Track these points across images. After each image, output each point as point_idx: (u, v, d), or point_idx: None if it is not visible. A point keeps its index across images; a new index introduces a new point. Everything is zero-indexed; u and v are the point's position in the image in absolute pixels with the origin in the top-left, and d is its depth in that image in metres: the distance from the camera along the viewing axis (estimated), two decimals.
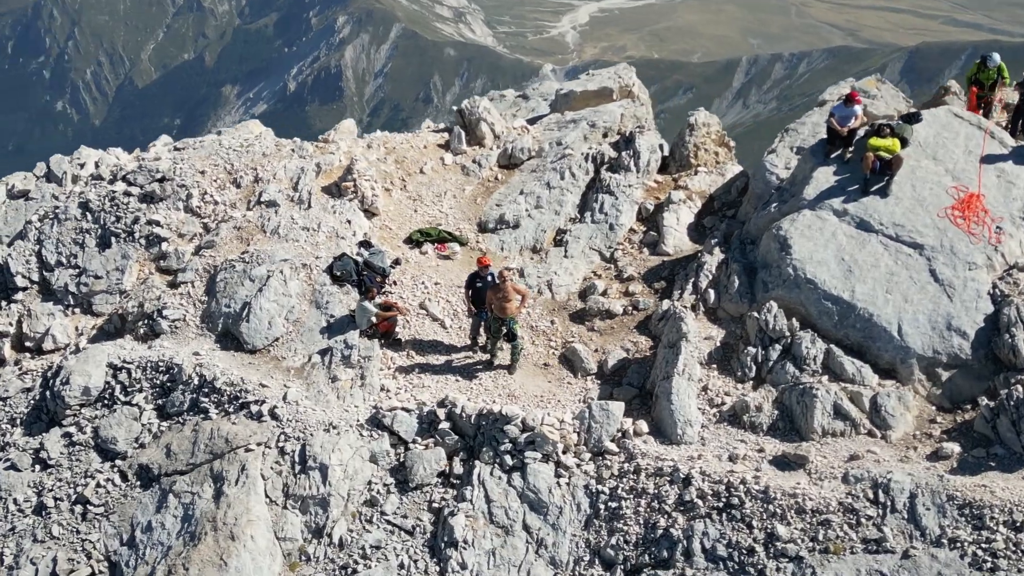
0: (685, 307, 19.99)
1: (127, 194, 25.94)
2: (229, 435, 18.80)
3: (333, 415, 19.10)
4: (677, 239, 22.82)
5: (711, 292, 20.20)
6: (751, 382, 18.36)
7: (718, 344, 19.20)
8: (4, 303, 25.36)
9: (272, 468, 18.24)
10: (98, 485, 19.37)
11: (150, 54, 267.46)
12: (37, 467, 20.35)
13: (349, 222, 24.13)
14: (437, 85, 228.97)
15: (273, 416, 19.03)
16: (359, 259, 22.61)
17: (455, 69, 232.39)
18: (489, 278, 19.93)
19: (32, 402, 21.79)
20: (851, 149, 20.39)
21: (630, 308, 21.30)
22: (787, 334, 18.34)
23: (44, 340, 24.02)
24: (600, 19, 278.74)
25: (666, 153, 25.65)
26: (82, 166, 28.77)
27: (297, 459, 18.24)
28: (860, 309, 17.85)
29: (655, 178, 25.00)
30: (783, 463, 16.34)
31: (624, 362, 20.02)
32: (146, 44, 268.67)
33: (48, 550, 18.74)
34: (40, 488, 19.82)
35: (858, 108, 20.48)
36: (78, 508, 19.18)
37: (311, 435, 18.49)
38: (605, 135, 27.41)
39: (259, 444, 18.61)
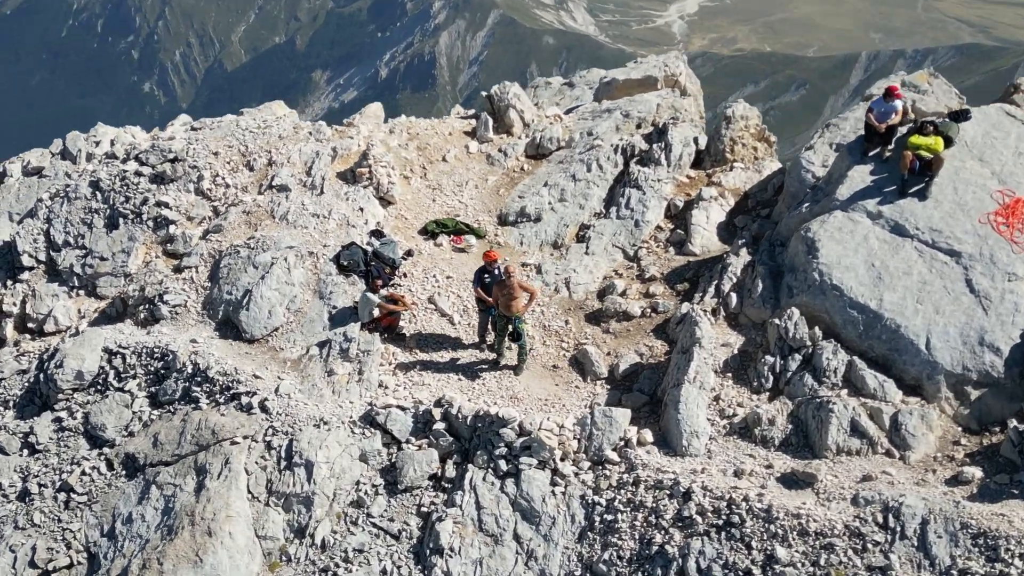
0: (705, 311, 19.70)
1: (138, 174, 26.34)
2: (216, 427, 18.96)
3: (325, 410, 19.16)
4: (705, 239, 22.50)
5: (733, 296, 19.88)
6: (767, 393, 18.02)
7: (735, 352, 18.88)
8: (10, 282, 25.86)
9: (257, 463, 18.35)
10: (83, 473, 19.67)
11: (240, 36, 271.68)
12: (25, 451, 20.72)
13: (362, 210, 24.21)
14: (534, 75, 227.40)
15: (263, 409, 19.15)
16: (368, 249, 22.66)
17: (553, 58, 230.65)
18: (497, 272, 19.81)
19: (27, 385, 22.21)
20: (890, 147, 19.92)
21: (648, 310, 21.06)
22: (808, 343, 17.97)
23: (46, 322, 24.49)
24: (710, 8, 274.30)
25: (702, 147, 25.26)
26: (97, 144, 29.31)
27: (283, 455, 18.32)
28: (887, 319, 17.41)
29: (687, 173, 24.67)
30: (791, 481, 16.00)
31: (637, 367, 19.79)
32: (237, 26, 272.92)
33: (28, 538, 19.06)
34: (26, 473, 20.18)
35: (899, 103, 19.98)
36: (61, 496, 19.49)
37: (300, 430, 18.57)
38: (639, 126, 27.14)
39: (246, 437, 18.74)
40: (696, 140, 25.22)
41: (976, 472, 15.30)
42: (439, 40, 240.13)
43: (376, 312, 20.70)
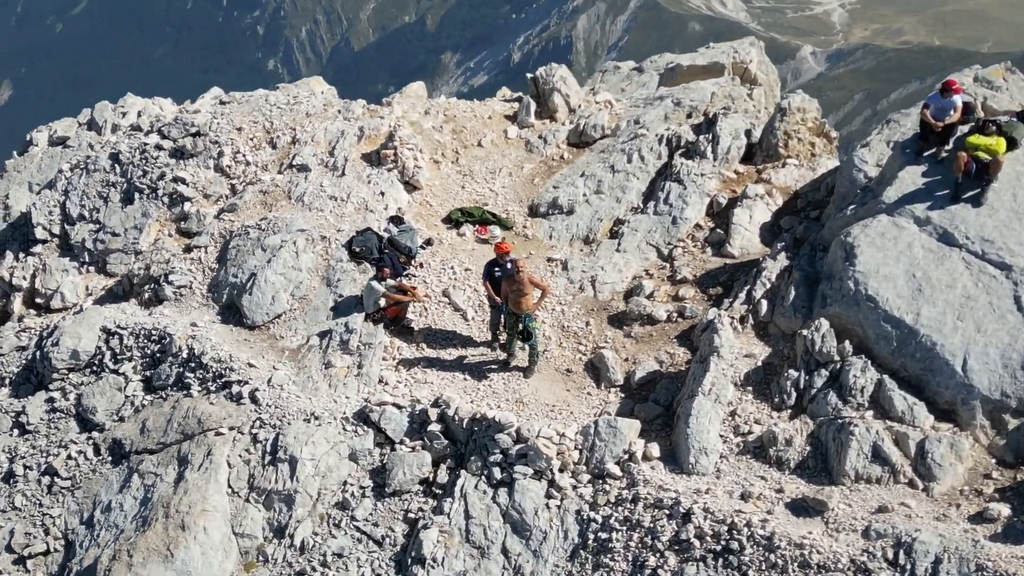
0: (733, 317, 19.28)
1: (158, 148, 26.78)
2: (203, 415, 19.16)
3: (318, 404, 19.23)
4: (746, 240, 22.01)
5: (764, 303, 19.40)
6: (788, 411, 17.54)
7: (759, 364, 18.42)
8: (22, 255, 26.49)
9: (241, 456, 18.48)
10: (69, 457, 20.07)
11: (369, 14, 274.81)
12: (16, 431, 21.22)
13: (383, 194, 24.27)
14: None
15: (253, 399, 19.30)
16: (384, 235, 22.69)
17: (699, 46, 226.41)
18: (508, 266, 19.63)
19: (24, 362, 22.72)
20: (947, 147, 19.23)
21: (675, 314, 20.70)
22: (837, 358, 17.44)
23: (53, 298, 25.02)
24: None
25: (755, 140, 24.72)
26: (124, 115, 29.87)
27: (268, 449, 18.42)
28: (922, 336, 16.78)
29: (735, 168, 24.16)
30: (800, 507, 15.55)
31: (655, 375, 19.46)
32: (366, 4, 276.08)
33: (8, 521, 19.53)
34: (13, 454, 20.65)
35: (957, 99, 19.26)
36: (45, 480, 19.92)
37: (288, 424, 18.66)
38: (689, 115, 26.72)
39: (232, 428, 18.90)
40: (748, 133, 24.67)
41: (1003, 510, 14.67)
42: (577, 23, 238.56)
43: (382, 302, 20.69)
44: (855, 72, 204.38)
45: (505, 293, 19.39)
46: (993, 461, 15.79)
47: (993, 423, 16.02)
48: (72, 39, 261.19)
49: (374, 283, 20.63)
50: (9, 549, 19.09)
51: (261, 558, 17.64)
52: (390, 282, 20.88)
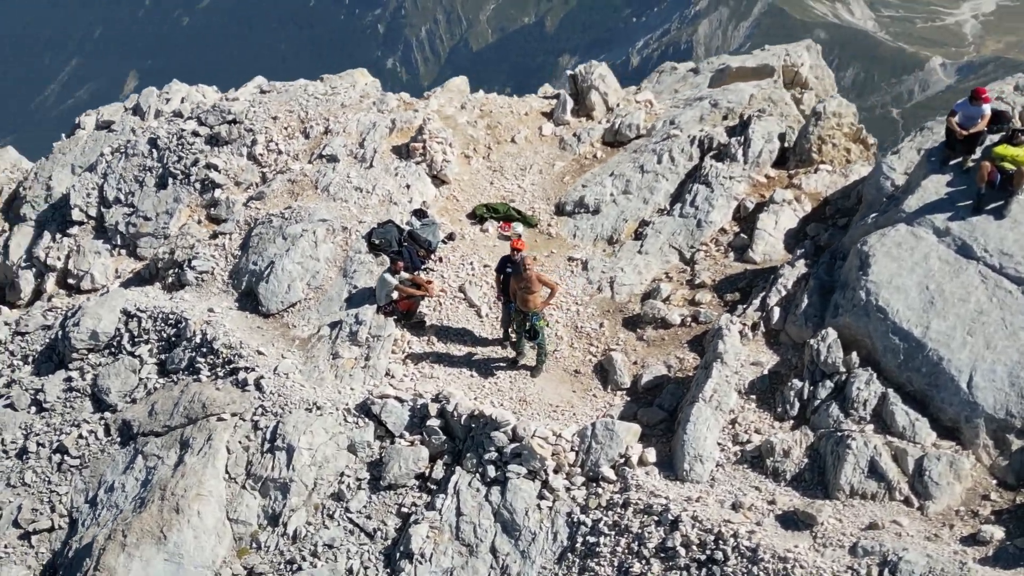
0: (744, 324, 18.94)
1: (195, 134, 27.15)
2: (207, 400, 19.34)
3: (321, 395, 19.31)
4: (769, 246, 21.58)
5: (776, 311, 19.02)
6: (790, 421, 17.18)
7: (766, 372, 18.06)
8: (59, 236, 27.03)
9: (241, 443, 18.63)
10: (80, 436, 20.40)
11: (489, 15, 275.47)
12: (33, 409, 21.62)
13: (408, 187, 24.30)
14: None
15: (258, 387, 19.45)
16: (405, 228, 22.72)
17: (824, 55, 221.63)
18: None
19: (48, 341, 23.15)
20: (974, 157, 18.67)
21: (689, 319, 20.40)
22: (842, 370, 17.03)
23: (84, 279, 25.46)
24: (1011, 9, 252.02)
25: (789, 145, 24.23)
26: (168, 101, 30.30)
27: (268, 436, 18.54)
28: (929, 350, 16.30)
29: (766, 172, 23.70)
30: (790, 520, 15.21)
31: (662, 380, 19.20)
32: (486, 4, 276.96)
33: (17, 496, 19.91)
34: (28, 431, 21.05)
35: (986, 108, 18.68)
36: (56, 457, 20.28)
37: (289, 413, 18.75)
38: (725, 117, 26.29)
39: (234, 415, 19.05)
40: (783, 137, 24.21)
41: (997, 532, 14.20)
42: (698, 28, 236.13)
43: (395, 295, 20.70)
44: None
45: (513, 290, 19.29)
46: (994, 482, 15.30)
47: (997, 443, 15.52)
48: (197, 33, 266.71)
49: (387, 276, 20.65)
50: (16, 524, 19.47)
51: (254, 545, 17.76)
52: (404, 275, 20.88)
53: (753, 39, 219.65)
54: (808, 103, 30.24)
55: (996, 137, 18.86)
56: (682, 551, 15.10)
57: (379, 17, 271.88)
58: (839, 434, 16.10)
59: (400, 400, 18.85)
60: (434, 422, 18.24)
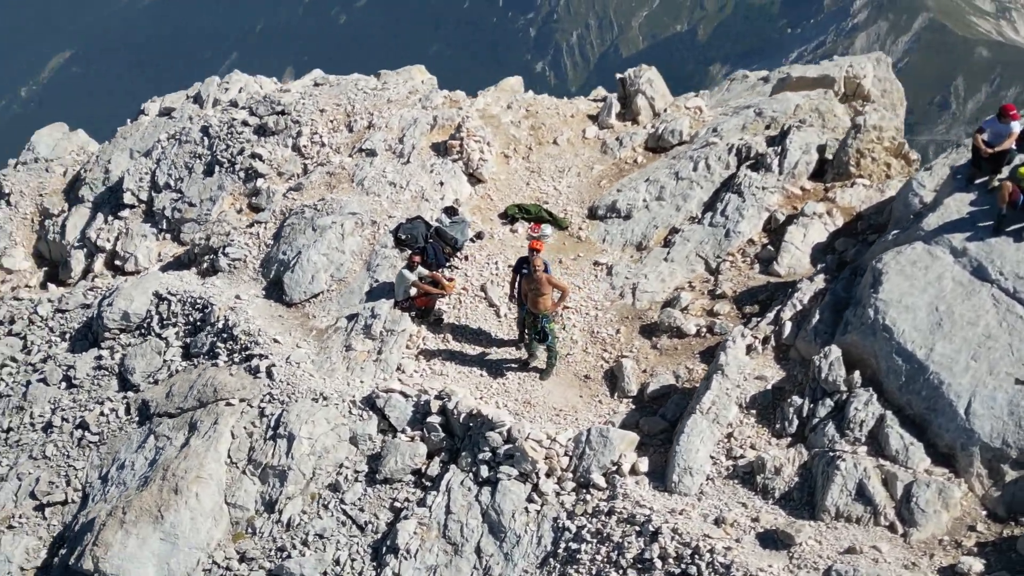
0: (756, 337, 18.61)
1: (245, 124, 27.69)
2: (219, 385, 19.70)
3: (330, 386, 19.51)
4: (795, 259, 21.13)
5: (789, 325, 18.64)
6: (788, 439, 16.81)
7: (769, 387, 17.70)
8: (111, 218, 27.81)
9: (245, 428, 18.92)
10: (102, 413, 20.94)
11: (641, 22, 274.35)
12: (63, 384, 22.27)
13: (442, 184, 24.40)
14: (959, 89, 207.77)
15: (268, 374, 19.74)
16: (433, 225, 22.82)
17: (984, 73, 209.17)
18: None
19: (84, 320, 23.81)
20: (1000, 176, 18.05)
21: (704, 330, 20.10)
22: (844, 389, 16.62)
23: (129, 261, 26.14)
24: None
25: (829, 156, 23.69)
26: (227, 90, 30.89)
27: (272, 424, 18.78)
28: (931, 373, 15.79)
29: (802, 184, 23.19)
30: (770, 539, 14.89)
31: (668, 389, 18.95)
32: (639, 11, 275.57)
33: (37, 468, 20.56)
34: (56, 406, 21.70)
35: (1016, 125, 18.03)
36: (77, 433, 20.86)
37: (295, 401, 18.99)
38: (768, 126, 25.80)
39: (242, 400, 19.35)
40: (822, 148, 23.69)
41: (976, 565, 13.71)
42: (855, 41, 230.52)
43: (413, 291, 20.80)
44: None
45: (524, 292, 19.26)
46: (983, 513, 14.77)
47: (991, 472, 14.97)
48: (353, 31, 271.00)
49: (405, 271, 20.77)
50: (32, 496, 20.08)
51: (249, 530, 18.02)
52: (422, 271, 20.95)
53: (912, 54, 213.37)
54: (870, 116, 29.56)
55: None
56: (658, 563, 14.90)
57: (531, 21, 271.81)
58: (831, 454, 15.74)
59: (405, 395, 18.93)
60: (435, 419, 18.28)
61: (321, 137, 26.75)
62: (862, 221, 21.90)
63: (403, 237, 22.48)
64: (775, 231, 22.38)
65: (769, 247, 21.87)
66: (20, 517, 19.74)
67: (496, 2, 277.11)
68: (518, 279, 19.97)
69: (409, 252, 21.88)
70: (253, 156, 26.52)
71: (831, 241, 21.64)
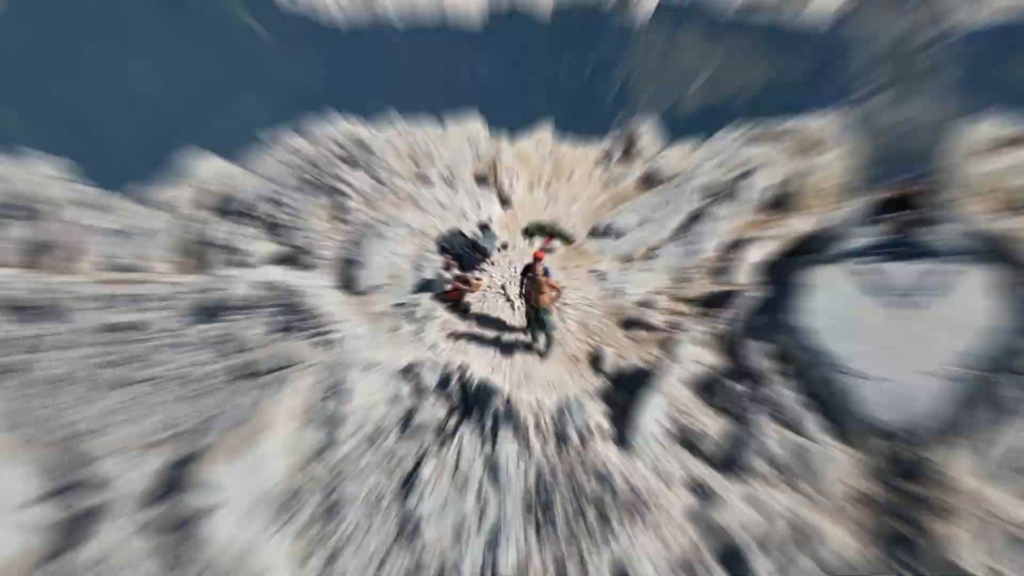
0: (704, 331, 18.61)
1: (338, 156, 28.05)
2: (294, 353, 20.14)
3: (380, 356, 19.89)
4: (744, 273, 21.02)
5: (733, 324, 18.59)
6: (721, 411, 16.82)
7: (711, 371, 17.68)
8: (224, 219, 28.37)
9: (312, 386, 19.31)
10: (207, 374, 21.42)
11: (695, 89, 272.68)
12: (186, 347, 22.81)
13: (479, 206, 24.64)
14: None
15: (336, 346, 20.09)
16: (470, 237, 23.08)
17: None
18: (539, 269, 19.66)
19: (214, 301, 24.39)
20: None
21: (668, 325, 20.13)
22: (770, 377, 16.59)
23: (247, 258, 26.67)
24: None
25: (787, 191, 23.40)
26: (327, 129, 31.28)
27: (331, 384, 19.15)
28: (838, 364, 15.75)
29: (761, 214, 23.01)
30: (696, 489, 15.03)
31: (639, 371, 19.04)
32: (697, 77, 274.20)
33: (144, 415, 21.02)
34: (170, 364, 22.24)
35: None
36: (186, 386, 21.33)
37: (352, 368, 19.36)
38: (740, 167, 25.55)
39: (313, 365, 19.74)
40: (782, 184, 23.40)
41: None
42: None
43: (448, 287, 21.11)
44: None
45: (529, 290, 19.45)
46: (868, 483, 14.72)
47: (873, 448, 14.90)
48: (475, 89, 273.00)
49: (443, 271, 21.10)
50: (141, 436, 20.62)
51: (303, 471, 18.39)
52: (456, 271, 21.32)
53: None
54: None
55: None
56: (609, 498, 15.07)
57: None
58: (748, 427, 15.74)
59: (434, 366, 19.22)
60: (455, 385, 18.56)
61: (393, 168, 27.08)
62: (802, 245, 21.66)
63: (445, 246, 22.78)
64: (731, 249, 22.24)
65: (726, 262, 21.75)
66: (129, 450, 20.26)
67: (584, 69, 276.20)
68: (524, 280, 20.16)
69: (448, 257, 22.19)
70: (342, 181, 26.92)
71: (776, 259, 21.43)
